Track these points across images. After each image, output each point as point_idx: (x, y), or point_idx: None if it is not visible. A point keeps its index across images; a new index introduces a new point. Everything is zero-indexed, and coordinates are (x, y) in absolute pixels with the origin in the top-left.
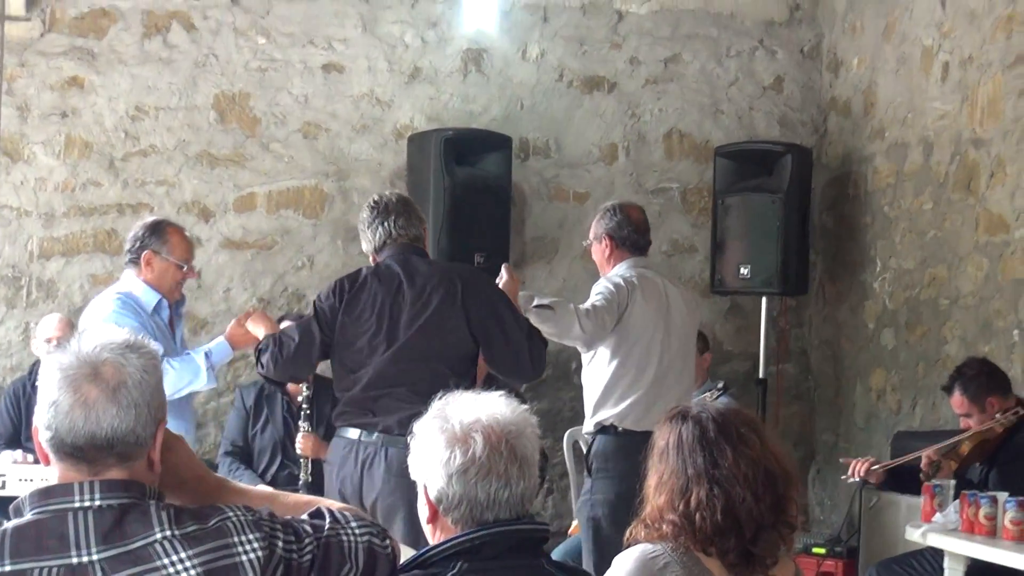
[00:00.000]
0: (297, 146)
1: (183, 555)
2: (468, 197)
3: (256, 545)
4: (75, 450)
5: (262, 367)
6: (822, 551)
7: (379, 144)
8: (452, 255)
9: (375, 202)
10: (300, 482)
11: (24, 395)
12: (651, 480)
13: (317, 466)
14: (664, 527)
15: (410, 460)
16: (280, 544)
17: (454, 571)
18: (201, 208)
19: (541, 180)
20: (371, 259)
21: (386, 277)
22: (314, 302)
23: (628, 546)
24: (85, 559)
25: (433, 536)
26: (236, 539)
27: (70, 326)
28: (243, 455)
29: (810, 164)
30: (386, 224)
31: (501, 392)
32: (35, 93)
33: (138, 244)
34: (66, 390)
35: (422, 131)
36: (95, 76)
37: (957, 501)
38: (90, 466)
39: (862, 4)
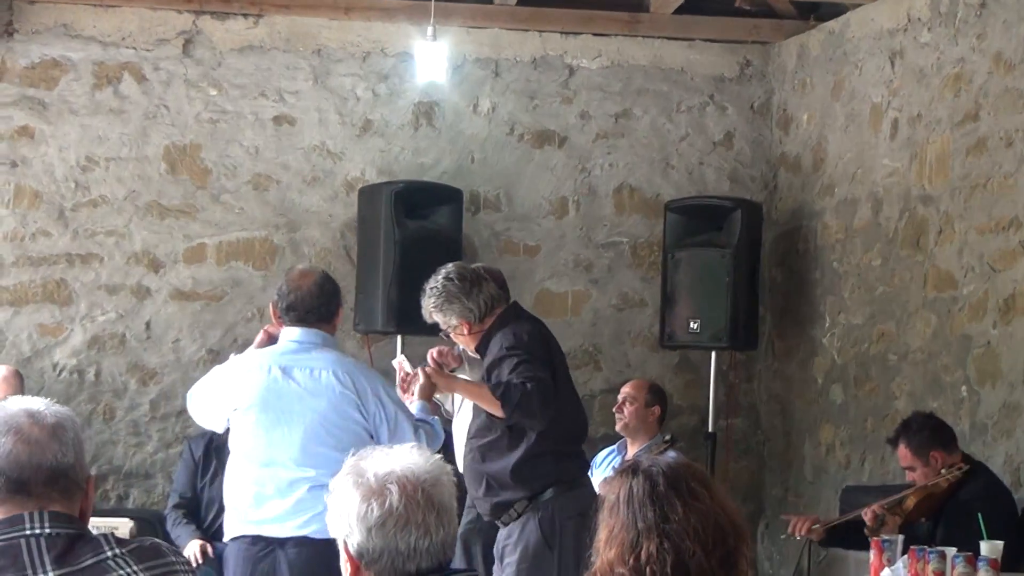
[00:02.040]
0: (247, 198)
1: (135, 567)
2: (419, 250)
3: (185, 568)
4: (20, 485)
5: (527, 411)
6: None
7: (330, 196)
8: (402, 308)
9: (462, 275)
10: None
11: None
12: (601, 534)
13: None
14: None
15: (327, 517)
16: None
17: None
18: (151, 259)
19: (492, 233)
20: (469, 328)
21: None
22: (524, 339)
23: None
24: None
25: None
26: (172, 559)
27: (17, 377)
28: (191, 507)
29: (760, 219)
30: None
31: None
32: None
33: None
34: (6, 434)
35: (373, 184)
36: (46, 126)
37: (905, 556)
38: (36, 500)
39: (812, 62)
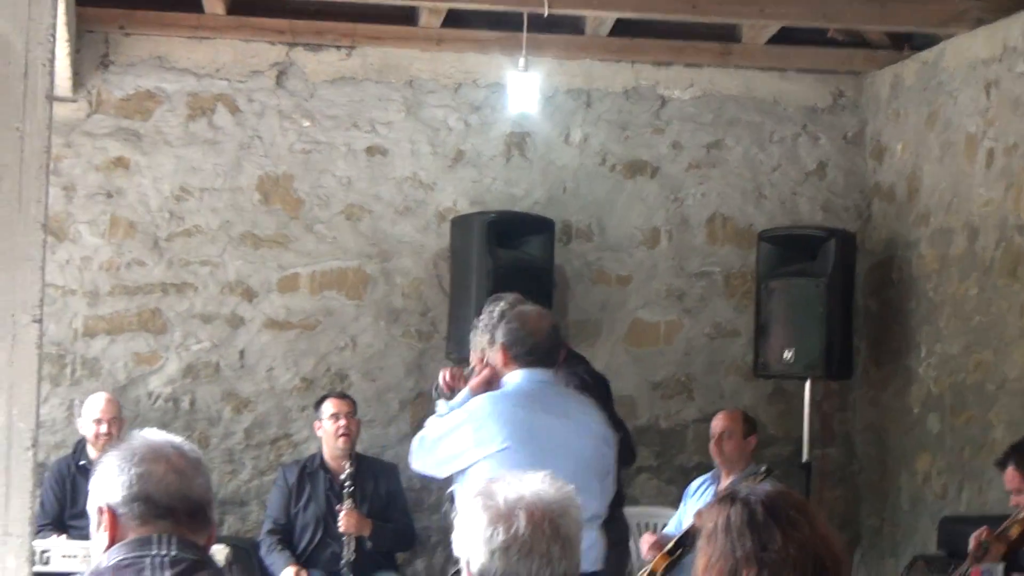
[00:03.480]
0: (340, 228)
1: None
2: (511, 279)
3: None
4: (166, 512)
5: None
6: None
7: (422, 226)
8: None
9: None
10: (343, 560)
11: (69, 474)
12: (699, 563)
13: (360, 543)
14: None
15: (454, 535)
16: None
17: None
18: (244, 288)
19: (584, 263)
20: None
21: None
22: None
23: None
24: None
25: None
26: None
27: (116, 405)
28: (285, 533)
29: (854, 248)
30: None
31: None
32: (81, 173)
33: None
34: (155, 461)
35: (465, 214)
36: (140, 157)
37: None
38: (173, 527)
39: (906, 92)
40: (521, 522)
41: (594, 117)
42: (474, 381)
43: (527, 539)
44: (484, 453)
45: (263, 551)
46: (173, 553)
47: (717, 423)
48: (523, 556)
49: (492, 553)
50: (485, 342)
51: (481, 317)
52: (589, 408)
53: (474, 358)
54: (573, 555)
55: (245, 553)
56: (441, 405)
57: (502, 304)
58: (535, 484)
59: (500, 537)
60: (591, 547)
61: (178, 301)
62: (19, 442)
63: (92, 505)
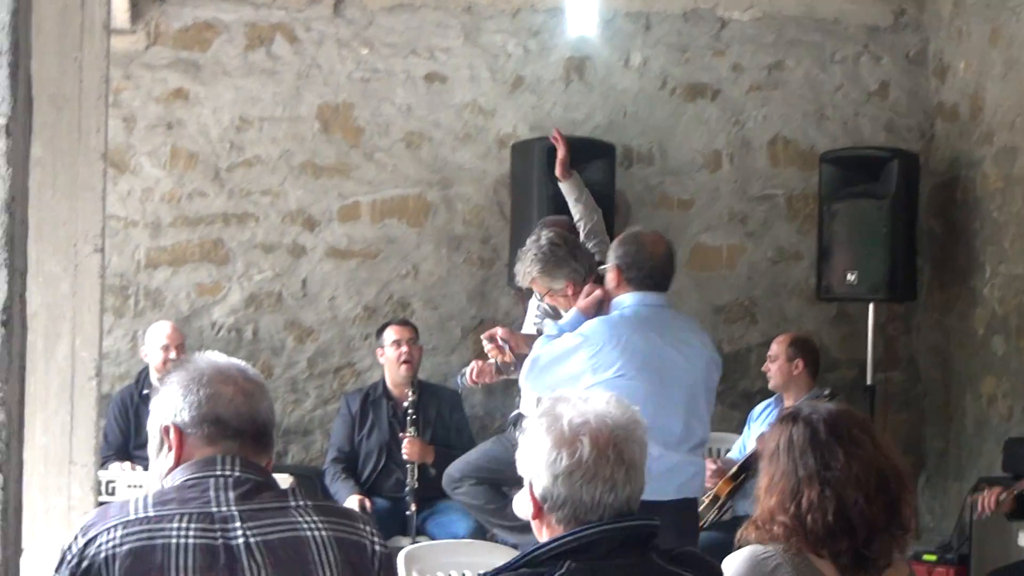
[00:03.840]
0: (400, 155)
1: (317, 519)
2: None
3: (377, 539)
4: (235, 433)
5: None
6: (933, 558)
7: (482, 153)
8: None
9: (564, 238)
10: (406, 488)
11: (132, 404)
12: (762, 481)
13: (423, 471)
14: (775, 528)
15: (517, 454)
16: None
17: (562, 571)
18: (306, 218)
19: (645, 187)
20: (574, 289)
21: None
22: None
23: (739, 547)
24: (224, 510)
25: (539, 532)
26: (361, 525)
27: (180, 333)
28: (349, 461)
29: (917, 169)
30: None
31: None
32: (141, 105)
33: None
34: (224, 383)
35: (525, 139)
36: (200, 88)
37: None
38: (239, 448)
39: (968, 9)
40: (585, 448)
41: (653, 40)
42: (584, 302)
43: (590, 465)
44: (599, 379)
45: (327, 480)
46: (237, 473)
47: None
48: (586, 482)
49: (555, 477)
50: (536, 271)
51: (527, 248)
52: (699, 331)
53: (532, 286)
54: (637, 480)
55: (309, 482)
56: (549, 325)
57: (550, 234)
58: (600, 406)
59: (564, 462)
60: (696, 474)
61: (239, 231)
62: (83, 372)
63: (156, 425)
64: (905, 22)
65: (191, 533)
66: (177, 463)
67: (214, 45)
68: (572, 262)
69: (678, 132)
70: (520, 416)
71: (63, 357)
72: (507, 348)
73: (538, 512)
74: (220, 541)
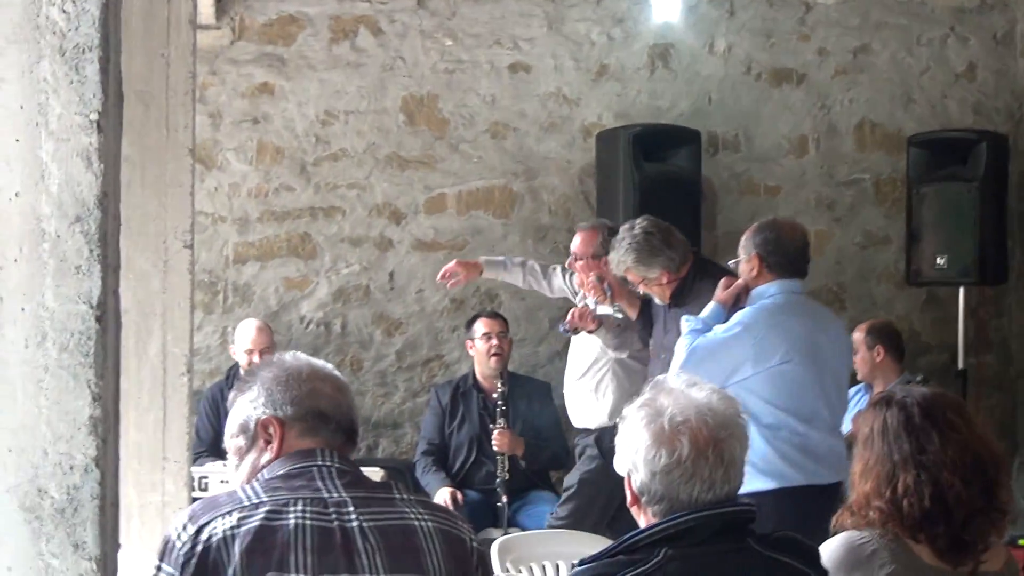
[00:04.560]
0: (485, 146)
1: (422, 511)
2: (658, 193)
3: (473, 536)
4: (336, 427)
5: None
6: None
7: (567, 142)
8: None
9: (658, 226)
10: (497, 479)
11: (223, 400)
12: (856, 467)
13: (513, 463)
14: (871, 514)
15: (617, 440)
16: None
17: (658, 558)
18: (392, 210)
19: (731, 174)
20: (668, 278)
21: None
22: None
23: (834, 533)
24: (335, 495)
25: (638, 518)
26: (459, 522)
27: (267, 334)
28: (439, 453)
29: (1006, 151)
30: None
31: None
32: (227, 100)
33: None
34: (322, 380)
35: (610, 128)
36: (285, 82)
37: None
38: (335, 440)
39: None
40: (684, 448)
41: (737, 25)
42: (723, 294)
43: (689, 465)
44: (762, 368)
45: (418, 472)
46: (337, 464)
47: None
48: (684, 481)
49: (653, 474)
50: (631, 260)
51: (621, 237)
52: (833, 316)
53: (627, 275)
54: (736, 477)
55: (400, 475)
56: (683, 323)
57: (644, 223)
58: (702, 399)
59: (663, 460)
60: (843, 456)
61: (326, 225)
62: (174, 368)
63: (250, 419)
64: (992, 3)
65: (307, 515)
66: (277, 455)
67: (298, 39)
68: (667, 251)
69: (764, 118)
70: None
71: (155, 354)
72: (609, 293)
73: (635, 501)
74: (336, 523)
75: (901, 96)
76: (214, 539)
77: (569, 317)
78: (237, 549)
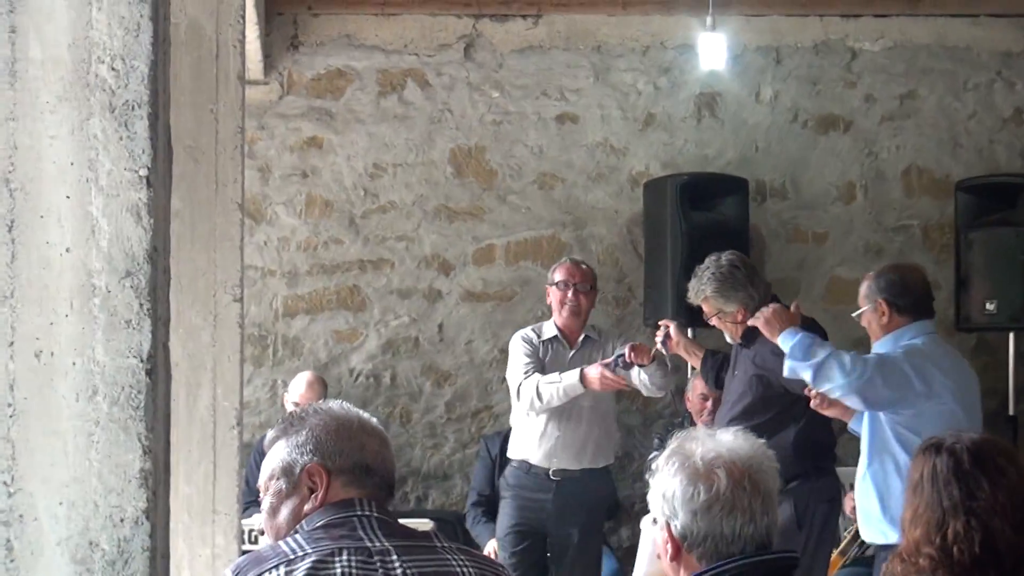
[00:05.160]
0: (533, 197)
1: (463, 559)
2: (706, 241)
3: None
4: (379, 481)
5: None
6: None
7: (615, 192)
8: None
9: (744, 262)
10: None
11: None
12: (906, 513)
13: None
14: (921, 560)
15: (650, 497)
16: None
17: None
18: (441, 262)
19: (779, 222)
20: (743, 315)
21: None
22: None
23: None
24: (378, 544)
25: (676, 574)
26: (501, 569)
27: (321, 383)
28: (490, 505)
29: None
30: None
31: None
32: (276, 154)
33: None
34: (369, 434)
35: (657, 177)
36: (333, 135)
37: None
38: (376, 493)
39: None
40: (722, 480)
41: (784, 73)
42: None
43: (728, 496)
44: (925, 405)
45: (469, 523)
46: (377, 515)
47: None
48: (725, 514)
49: (694, 513)
50: (711, 290)
51: (705, 267)
52: (961, 356)
53: (703, 305)
54: (773, 509)
55: (450, 526)
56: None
57: (732, 256)
58: (729, 440)
59: (702, 497)
60: None
61: (375, 277)
62: (224, 421)
63: (296, 463)
64: None
65: (353, 565)
66: (321, 504)
67: (347, 93)
68: (748, 288)
69: (811, 165)
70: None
71: (205, 407)
72: (666, 341)
73: (676, 552)
74: (380, 571)
75: (948, 141)
76: None
77: (627, 350)
78: None
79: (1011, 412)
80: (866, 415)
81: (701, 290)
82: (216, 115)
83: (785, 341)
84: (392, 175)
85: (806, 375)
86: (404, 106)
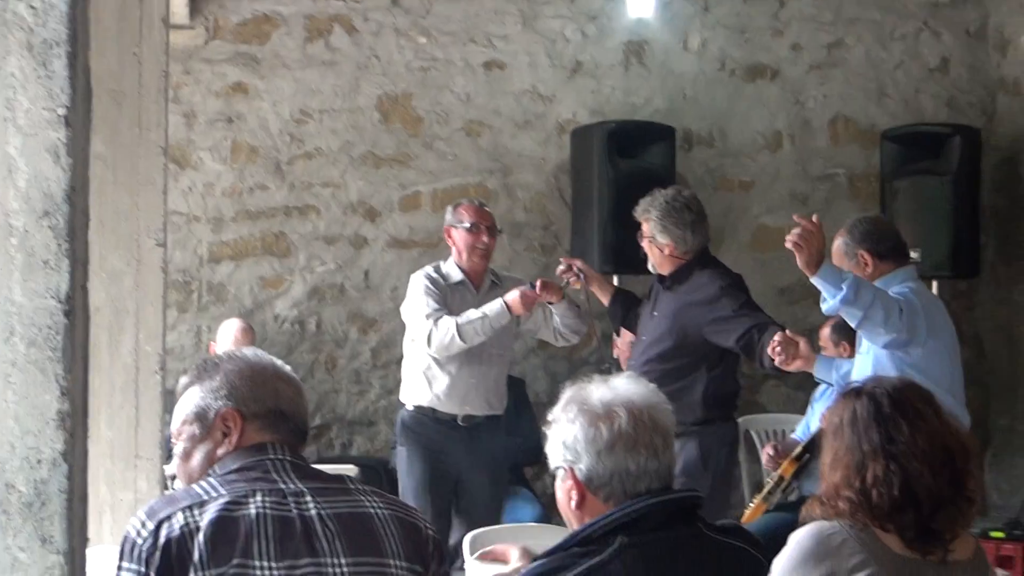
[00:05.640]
0: (460, 144)
1: (377, 500)
2: (632, 189)
3: (430, 525)
4: (293, 427)
5: None
6: (1001, 535)
7: (542, 139)
8: (617, 248)
9: (696, 207)
10: None
11: None
12: (826, 457)
13: None
14: (840, 504)
15: (549, 449)
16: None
17: (614, 546)
18: (367, 209)
19: (706, 170)
20: (669, 254)
21: None
22: (739, 281)
23: (803, 523)
24: (292, 486)
25: (580, 521)
26: (415, 512)
27: (250, 332)
28: None
29: (979, 145)
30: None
31: None
32: (201, 100)
33: None
34: (285, 381)
35: (585, 125)
36: (259, 81)
37: None
38: (289, 439)
39: None
40: (623, 418)
41: (712, 21)
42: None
43: (631, 433)
44: (930, 344)
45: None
46: (289, 459)
47: None
48: (629, 450)
49: (598, 453)
50: (656, 215)
51: (665, 192)
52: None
53: (643, 223)
54: (672, 447)
55: (375, 472)
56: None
57: (692, 198)
58: (624, 384)
59: (605, 436)
60: None
61: (301, 224)
62: (147, 366)
63: (210, 408)
64: None
65: (267, 505)
66: (235, 448)
67: (273, 38)
68: (687, 231)
69: (738, 114)
70: None
71: (127, 352)
72: (582, 277)
73: (582, 499)
74: (295, 512)
75: (875, 91)
76: (175, 533)
77: (538, 284)
78: (200, 540)
79: None
80: (870, 362)
81: (648, 211)
82: (140, 58)
83: (826, 279)
84: (318, 121)
85: (852, 317)
86: (331, 52)
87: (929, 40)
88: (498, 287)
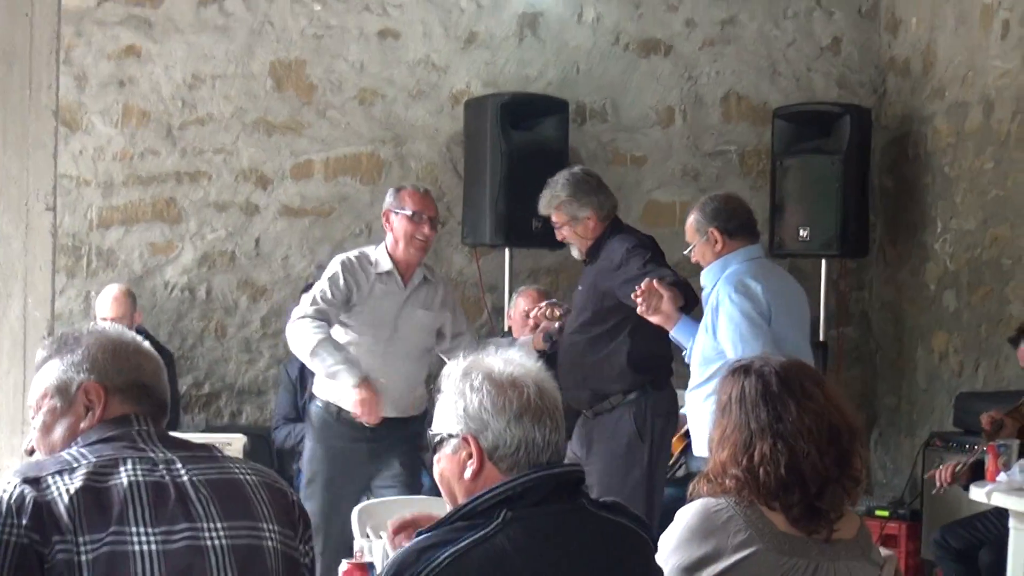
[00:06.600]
0: (353, 113)
1: (244, 467)
2: (525, 162)
3: (293, 492)
4: (156, 401)
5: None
6: (885, 513)
7: (435, 110)
8: (510, 221)
9: (592, 173)
10: None
11: None
12: (714, 434)
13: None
14: (727, 481)
15: (441, 415)
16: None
17: (499, 520)
18: (259, 176)
19: (598, 144)
20: (594, 224)
21: None
22: (645, 241)
23: (691, 500)
24: (161, 454)
25: (467, 495)
26: (282, 480)
27: (129, 296)
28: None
29: (869, 125)
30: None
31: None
32: (92, 62)
33: None
34: (144, 356)
35: (478, 96)
36: (152, 45)
37: (1022, 460)
38: (151, 412)
39: None
40: (531, 389)
41: None
42: (668, 306)
43: (539, 404)
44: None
45: (278, 444)
46: (152, 429)
47: None
48: (537, 421)
49: (508, 422)
50: (565, 195)
51: (556, 178)
52: (789, 275)
53: (554, 214)
54: (564, 423)
55: (264, 442)
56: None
57: (585, 168)
58: (520, 357)
59: (514, 405)
60: None
61: (192, 190)
62: (35, 331)
63: (72, 381)
64: None
65: (139, 472)
66: (98, 421)
67: (166, 1)
68: (599, 195)
69: (631, 88)
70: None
71: (15, 317)
72: (564, 307)
73: (479, 469)
74: (168, 478)
75: (767, 68)
76: (46, 498)
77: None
78: (72, 506)
79: (821, 338)
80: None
81: (555, 196)
82: (31, 19)
83: (682, 332)
84: (211, 87)
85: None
86: (224, 16)
87: (822, 19)
88: (429, 285)
